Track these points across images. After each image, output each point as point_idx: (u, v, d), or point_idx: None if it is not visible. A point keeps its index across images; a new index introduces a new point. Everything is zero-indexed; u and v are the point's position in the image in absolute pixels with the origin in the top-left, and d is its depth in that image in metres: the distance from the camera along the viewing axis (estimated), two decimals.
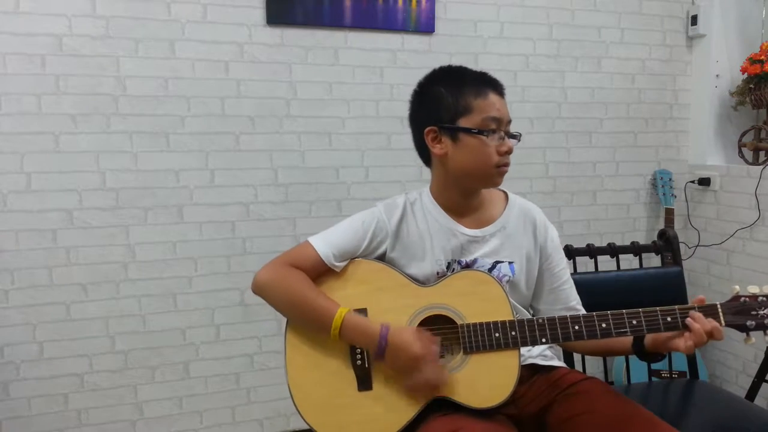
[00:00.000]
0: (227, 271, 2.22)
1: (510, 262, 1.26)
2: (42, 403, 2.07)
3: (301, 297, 1.18)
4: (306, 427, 1.16)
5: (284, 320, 1.22)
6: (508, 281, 1.24)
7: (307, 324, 1.20)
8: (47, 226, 2.02)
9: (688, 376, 1.76)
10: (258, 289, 1.22)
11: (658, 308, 1.13)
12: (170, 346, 2.18)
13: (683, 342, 1.10)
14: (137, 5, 2.02)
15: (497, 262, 1.25)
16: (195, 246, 2.17)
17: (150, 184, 2.10)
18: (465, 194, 1.26)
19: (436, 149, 1.21)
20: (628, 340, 1.22)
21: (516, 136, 1.21)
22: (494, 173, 1.20)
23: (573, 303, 1.33)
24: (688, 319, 1.10)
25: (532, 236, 1.29)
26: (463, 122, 1.17)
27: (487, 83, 1.19)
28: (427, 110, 1.22)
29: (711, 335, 1.08)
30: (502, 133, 1.19)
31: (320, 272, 1.22)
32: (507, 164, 1.20)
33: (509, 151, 1.19)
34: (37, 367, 2.05)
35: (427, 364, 1.11)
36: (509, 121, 1.21)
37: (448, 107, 1.18)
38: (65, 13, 1.96)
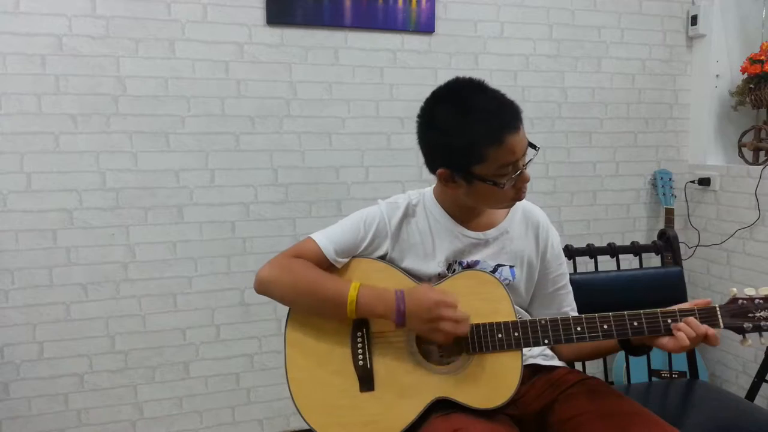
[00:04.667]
0: (227, 271, 2.22)
1: (511, 266, 1.25)
2: (42, 403, 2.07)
3: (310, 280, 1.17)
4: (307, 427, 1.16)
5: (284, 320, 1.22)
6: (508, 285, 1.24)
7: (318, 307, 1.18)
8: (47, 226, 2.02)
9: (688, 376, 1.76)
10: (262, 286, 1.20)
11: (659, 310, 1.13)
12: (170, 346, 2.18)
13: (669, 342, 1.10)
14: (137, 5, 2.02)
15: (498, 266, 1.24)
16: (195, 246, 2.17)
17: (150, 184, 2.10)
18: (471, 206, 1.24)
19: (450, 187, 1.17)
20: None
21: (534, 149, 1.15)
22: (509, 204, 1.21)
23: (566, 309, 1.33)
24: (680, 323, 1.10)
25: (534, 240, 1.29)
26: (476, 169, 1.10)
27: (502, 124, 1.08)
28: (437, 148, 1.15)
29: (706, 340, 1.09)
30: (520, 167, 1.12)
31: (322, 268, 1.21)
32: (524, 192, 1.17)
33: (527, 182, 1.15)
34: (37, 367, 2.05)
35: (449, 307, 1.10)
36: (527, 146, 1.13)
37: (460, 153, 1.10)
38: (65, 13, 1.96)
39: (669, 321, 1.11)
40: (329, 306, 1.16)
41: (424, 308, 1.10)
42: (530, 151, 1.16)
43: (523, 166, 1.13)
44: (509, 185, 1.12)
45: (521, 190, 1.16)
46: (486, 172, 1.11)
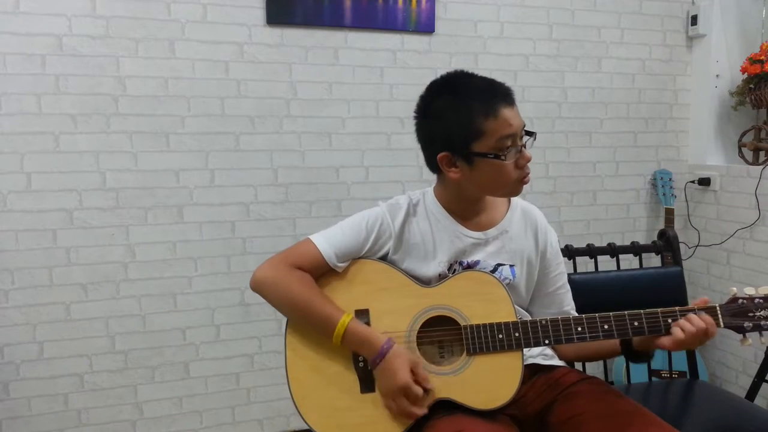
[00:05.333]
0: (227, 271, 2.22)
1: (511, 266, 1.25)
2: (42, 403, 2.07)
3: (303, 300, 1.17)
4: (307, 427, 1.16)
5: (284, 320, 1.22)
6: (508, 284, 1.24)
7: (308, 327, 1.19)
8: (47, 226, 2.02)
9: (688, 376, 1.76)
10: (257, 287, 1.20)
11: (659, 310, 1.13)
12: (170, 346, 2.18)
13: (666, 340, 1.11)
14: (137, 5, 2.02)
15: (499, 265, 1.25)
16: (195, 246, 2.17)
17: (150, 184, 2.10)
18: (473, 201, 1.25)
19: (451, 173, 1.17)
20: (617, 340, 1.22)
21: (531, 135, 1.17)
22: (516, 187, 1.19)
23: (566, 308, 1.33)
24: (680, 320, 1.11)
25: (533, 240, 1.29)
26: (476, 146, 1.12)
27: (495, 97, 1.11)
28: (435, 134, 1.16)
29: (706, 332, 1.09)
30: (519, 146, 1.14)
31: (322, 272, 1.21)
32: (528, 173, 1.17)
33: (528, 161, 1.16)
34: (37, 367, 2.05)
35: (405, 398, 1.11)
36: (524, 126, 1.15)
37: (458, 132, 1.12)
38: (65, 13, 1.96)
39: (669, 321, 1.12)
40: (318, 329, 1.17)
41: (394, 380, 1.11)
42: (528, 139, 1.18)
43: (522, 145, 1.15)
44: (510, 160, 1.13)
45: (524, 169, 1.16)
46: (485, 148, 1.12)
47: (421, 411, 1.11)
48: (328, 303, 1.17)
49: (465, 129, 1.11)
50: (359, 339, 1.14)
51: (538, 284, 1.31)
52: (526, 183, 1.18)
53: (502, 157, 1.12)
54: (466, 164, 1.15)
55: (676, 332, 1.09)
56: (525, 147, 1.16)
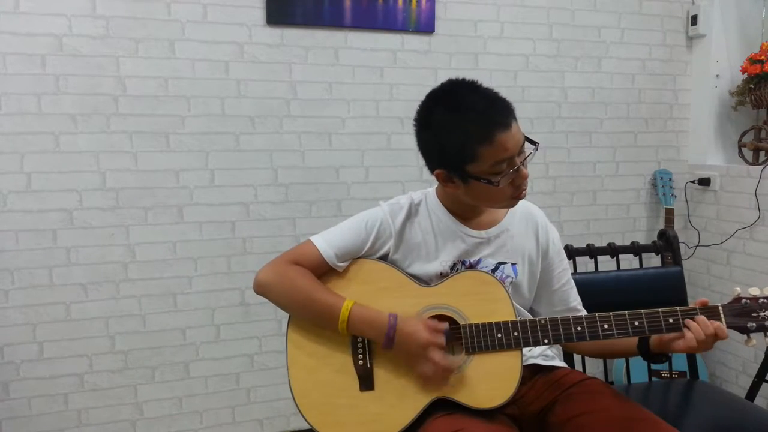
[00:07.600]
0: (227, 271, 2.22)
1: (513, 264, 1.26)
2: (42, 403, 2.07)
3: (305, 292, 1.17)
4: (307, 426, 1.16)
5: (285, 320, 1.22)
6: (511, 282, 1.25)
7: (312, 319, 1.20)
8: (47, 226, 2.02)
9: (688, 376, 1.76)
10: (260, 288, 1.21)
11: (660, 309, 1.13)
12: (170, 346, 2.18)
13: (684, 344, 1.10)
14: (137, 5, 2.02)
15: (500, 264, 1.25)
16: (195, 246, 2.17)
17: (150, 184, 2.10)
18: (472, 204, 1.24)
19: (448, 187, 1.18)
20: (633, 340, 1.21)
21: (534, 145, 1.15)
22: (510, 202, 1.19)
23: (573, 304, 1.34)
24: (688, 321, 1.10)
25: (534, 238, 1.29)
26: (470, 168, 1.10)
27: (491, 122, 1.07)
28: (432, 149, 1.16)
29: (715, 336, 1.09)
30: (516, 165, 1.11)
31: (322, 272, 1.21)
32: (524, 189, 1.16)
33: (525, 178, 1.14)
34: (37, 367, 2.05)
35: (435, 351, 1.11)
36: (523, 142, 1.13)
37: (453, 153, 1.11)
38: (65, 13, 1.96)
39: (671, 320, 1.12)
40: (322, 320, 1.18)
41: (414, 344, 1.11)
42: (530, 148, 1.15)
43: (521, 162, 1.12)
44: (505, 183, 1.12)
45: (520, 187, 1.15)
46: (480, 171, 1.11)
47: (456, 361, 1.12)
48: (330, 292, 1.18)
49: (460, 151, 1.10)
50: (365, 321, 1.15)
51: (543, 283, 1.31)
52: (522, 198, 1.18)
53: (495, 183, 1.11)
54: (461, 181, 1.15)
55: (688, 336, 1.09)
56: (524, 163, 1.13)
